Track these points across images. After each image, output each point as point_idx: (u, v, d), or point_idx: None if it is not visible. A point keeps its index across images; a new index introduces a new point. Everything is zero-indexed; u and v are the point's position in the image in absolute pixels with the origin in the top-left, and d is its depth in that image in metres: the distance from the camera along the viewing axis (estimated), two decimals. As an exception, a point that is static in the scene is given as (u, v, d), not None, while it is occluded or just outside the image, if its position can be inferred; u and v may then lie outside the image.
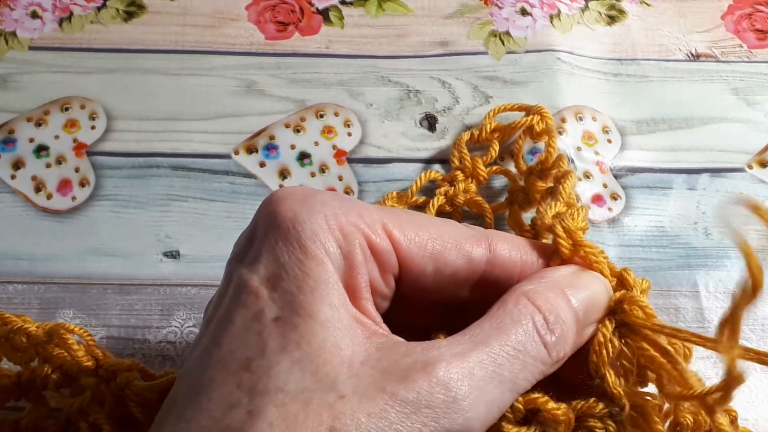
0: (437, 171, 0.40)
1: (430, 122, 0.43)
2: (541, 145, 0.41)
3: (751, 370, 0.36)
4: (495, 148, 0.40)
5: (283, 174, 0.41)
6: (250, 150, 0.41)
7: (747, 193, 0.41)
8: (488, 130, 0.40)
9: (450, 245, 0.28)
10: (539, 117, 0.40)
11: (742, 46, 0.46)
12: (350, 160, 0.41)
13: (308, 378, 0.24)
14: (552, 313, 0.27)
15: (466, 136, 0.41)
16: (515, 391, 0.26)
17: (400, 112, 0.43)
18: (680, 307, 0.38)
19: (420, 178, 0.40)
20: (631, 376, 0.28)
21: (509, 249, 0.29)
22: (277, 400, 0.23)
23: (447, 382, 0.24)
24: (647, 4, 0.48)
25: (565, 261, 0.30)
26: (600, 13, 0.47)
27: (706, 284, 0.38)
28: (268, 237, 0.26)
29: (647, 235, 0.40)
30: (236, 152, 0.41)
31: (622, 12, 0.47)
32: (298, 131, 0.42)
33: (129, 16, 0.45)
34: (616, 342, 0.28)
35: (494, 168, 0.41)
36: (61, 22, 0.45)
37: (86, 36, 0.45)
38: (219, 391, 0.24)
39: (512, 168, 0.41)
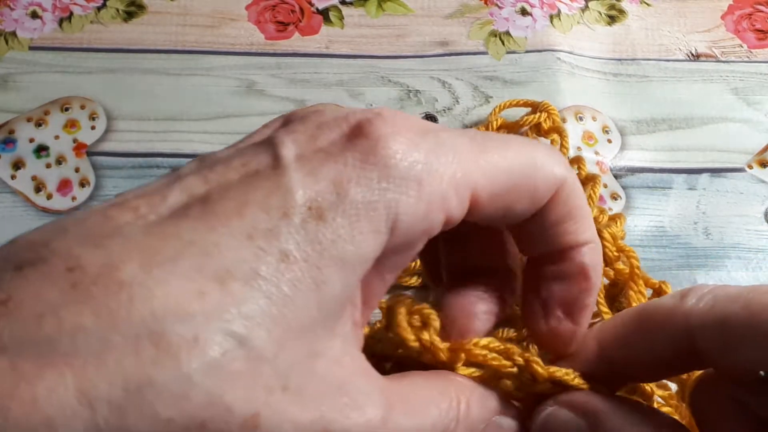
0: None
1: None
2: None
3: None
4: None
5: (283, 174, 0.41)
6: (250, 150, 0.41)
7: (747, 193, 0.41)
8: (494, 127, 0.40)
9: (524, 196, 0.25)
10: (546, 114, 0.40)
11: (742, 46, 0.46)
12: (350, 160, 0.41)
13: (270, 346, 0.21)
14: (460, 428, 0.24)
15: None
16: None
17: (400, 112, 0.43)
18: (680, 307, 0.38)
19: None
20: None
21: (565, 199, 0.26)
22: (227, 344, 0.20)
23: None
24: (647, 4, 0.48)
25: (608, 264, 0.30)
26: (600, 13, 0.47)
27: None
28: (347, 161, 0.22)
29: (647, 235, 0.40)
30: (236, 152, 0.41)
31: (622, 12, 0.47)
32: (298, 131, 0.42)
33: (129, 16, 0.45)
34: None
35: None
36: (61, 22, 0.45)
37: (86, 36, 0.45)
38: (178, 284, 0.20)
39: None
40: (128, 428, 0.18)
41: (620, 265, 0.31)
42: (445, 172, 0.23)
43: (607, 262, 0.30)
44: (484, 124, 0.41)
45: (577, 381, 0.25)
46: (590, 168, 0.41)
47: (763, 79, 0.45)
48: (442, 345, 0.25)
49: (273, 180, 0.21)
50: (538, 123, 0.40)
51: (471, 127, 0.43)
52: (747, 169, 0.42)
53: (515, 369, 0.26)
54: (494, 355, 0.25)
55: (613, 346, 0.26)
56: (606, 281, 0.34)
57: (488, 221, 0.25)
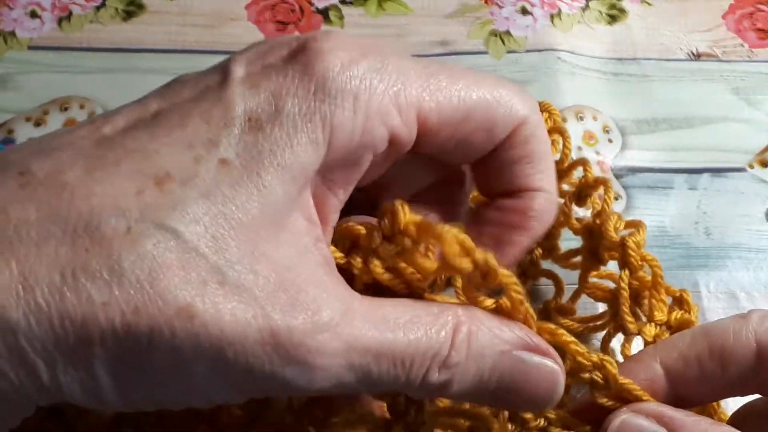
0: None
1: (430, 122, 0.43)
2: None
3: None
4: None
5: (283, 174, 0.41)
6: (250, 150, 0.41)
7: (748, 193, 0.41)
8: None
9: (482, 127, 0.25)
10: (547, 114, 0.39)
11: (743, 46, 0.46)
12: (350, 160, 0.41)
13: (206, 241, 0.21)
14: (458, 355, 0.24)
15: None
16: (366, 387, 0.23)
17: (400, 112, 0.43)
18: (681, 307, 0.38)
19: None
20: None
21: (525, 139, 0.27)
22: (162, 239, 0.21)
23: (321, 346, 0.22)
24: (648, 4, 0.48)
25: (633, 272, 0.30)
26: (601, 13, 0.47)
27: (707, 284, 0.38)
28: (285, 79, 0.23)
29: (648, 235, 0.39)
30: (236, 152, 0.41)
31: (622, 11, 0.47)
32: (298, 131, 0.42)
33: (128, 15, 0.45)
34: None
35: None
36: (60, 21, 0.45)
37: (85, 35, 0.44)
38: (117, 183, 0.21)
39: None
40: (67, 310, 0.20)
41: (642, 273, 0.30)
42: (385, 89, 0.23)
43: (632, 270, 0.30)
44: None
45: (645, 396, 0.26)
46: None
47: (764, 79, 0.45)
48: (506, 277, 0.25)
49: (218, 94, 0.23)
50: None
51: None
52: (748, 168, 0.42)
53: (590, 367, 0.26)
54: (575, 346, 0.26)
55: (680, 366, 0.26)
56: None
57: (444, 153, 0.26)
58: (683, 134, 0.43)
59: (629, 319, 0.30)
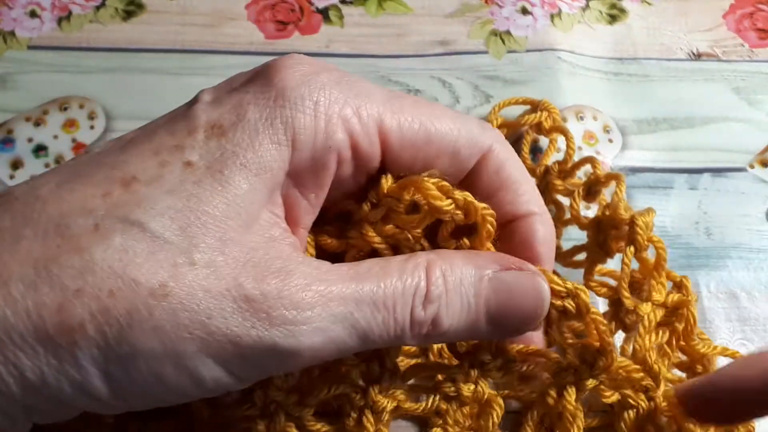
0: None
1: (430, 122, 0.43)
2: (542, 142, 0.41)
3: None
4: None
5: (283, 174, 0.41)
6: (250, 150, 0.41)
7: (748, 193, 0.41)
8: (494, 125, 0.40)
9: (446, 150, 0.27)
10: (547, 113, 0.40)
11: (743, 46, 0.46)
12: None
13: (173, 229, 0.22)
14: (437, 289, 0.25)
15: None
16: (363, 341, 0.24)
17: (400, 112, 0.43)
18: (681, 307, 0.38)
19: None
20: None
21: (497, 170, 0.28)
22: (129, 231, 0.22)
23: (297, 299, 0.23)
24: (648, 3, 0.47)
25: (639, 251, 0.30)
26: (601, 12, 0.47)
27: (708, 284, 0.38)
28: (248, 93, 0.25)
29: (648, 235, 0.40)
30: (236, 152, 0.41)
31: (623, 11, 0.47)
32: (298, 131, 0.42)
33: (128, 15, 0.45)
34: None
35: None
36: (59, 21, 0.45)
37: (85, 35, 0.44)
38: (84, 190, 0.23)
39: None
40: (41, 298, 0.21)
41: (646, 255, 0.30)
42: (345, 99, 0.25)
43: (638, 247, 0.30)
44: None
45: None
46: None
47: (764, 79, 0.45)
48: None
49: (184, 114, 0.25)
50: (538, 122, 0.39)
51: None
52: (748, 168, 0.42)
53: (564, 294, 0.27)
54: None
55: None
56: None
57: (410, 172, 0.27)
58: (684, 134, 0.43)
59: (626, 294, 0.30)
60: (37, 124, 0.41)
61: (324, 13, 0.46)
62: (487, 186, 0.28)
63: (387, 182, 0.27)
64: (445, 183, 0.27)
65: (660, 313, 0.30)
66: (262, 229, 0.24)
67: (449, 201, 0.26)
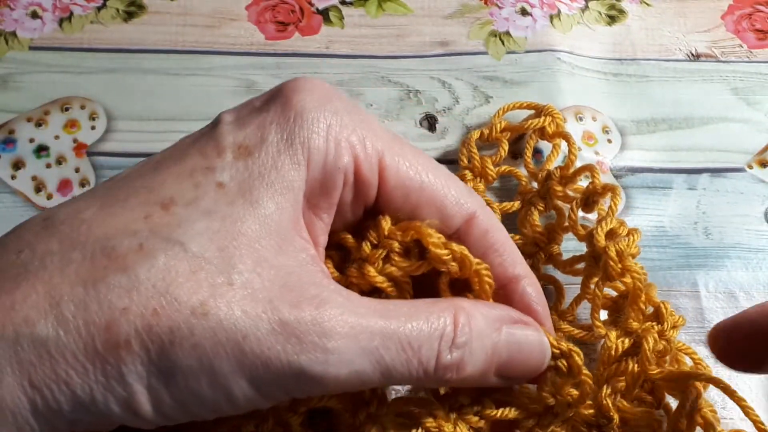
0: None
1: (430, 122, 0.43)
2: (543, 145, 0.41)
3: (751, 370, 0.36)
4: (504, 148, 0.40)
5: (283, 174, 0.41)
6: (250, 150, 0.41)
7: (747, 193, 0.41)
8: (498, 129, 0.40)
9: (434, 203, 0.28)
10: (551, 118, 0.39)
11: (742, 46, 0.46)
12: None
13: (212, 249, 0.24)
14: (464, 335, 0.26)
15: (475, 134, 0.40)
16: (386, 378, 0.25)
17: (400, 112, 0.43)
18: (680, 307, 0.38)
19: None
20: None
21: (483, 235, 0.29)
22: (172, 251, 0.23)
23: (328, 328, 0.24)
24: (647, 4, 0.48)
25: (609, 280, 0.31)
26: (600, 13, 0.47)
27: (706, 284, 0.38)
28: (268, 114, 0.26)
29: (647, 235, 0.40)
30: (236, 152, 0.41)
31: (622, 12, 0.47)
32: (298, 131, 0.42)
33: (129, 16, 0.45)
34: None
35: (503, 168, 0.40)
36: (61, 22, 0.45)
37: (86, 36, 0.45)
38: (127, 211, 0.24)
39: (521, 169, 0.40)
40: (92, 317, 0.22)
41: (628, 279, 0.31)
42: (354, 127, 0.27)
43: (608, 277, 0.31)
44: (487, 126, 0.41)
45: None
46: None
47: (763, 79, 0.45)
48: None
49: (210, 134, 0.26)
50: (542, 127, 0.39)
51: (471, 127, 0.42)
52: (747, 169, 0.42)
53: (558, 355, 0.29)
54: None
55: None
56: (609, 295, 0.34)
57: (398, 215, 0.28)
58: (682, 134, 0.43)
59: (597, 323, 0.31)
60: (39, 124, 0.42)
61: (324, 14, 0.46)
62: (475, 248, 0.29)
63: (387, 223, 0.28)
64: (442, 236, 0.28)
65: (628, 342, 0.30)
66: (295, 252, 0.25)
67: (448, 251, 0.27)
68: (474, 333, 0.26)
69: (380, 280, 0.28)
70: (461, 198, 0.29)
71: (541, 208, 0.37)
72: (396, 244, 0.28)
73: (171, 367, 0.23)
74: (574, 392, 0.29)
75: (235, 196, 0.25)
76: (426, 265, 0.28)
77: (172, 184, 0.25)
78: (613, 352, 0.29)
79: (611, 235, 0.32)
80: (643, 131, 0.43)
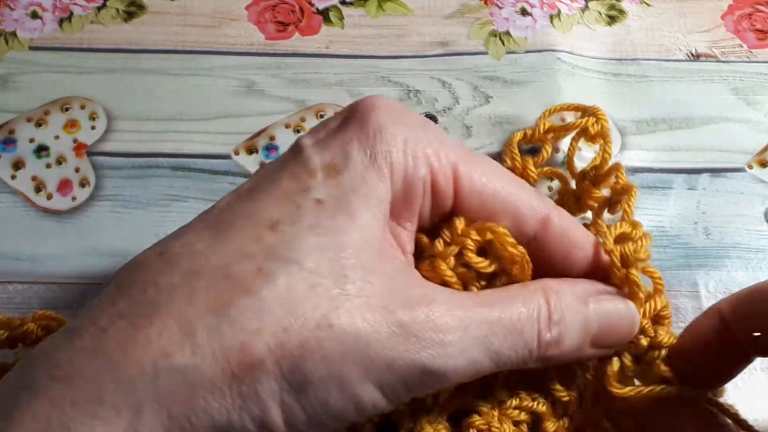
0: None
1: (430, 122, 0.43)
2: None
3: (749, 370, 0.36)
4: (548, 150, 0.40)
5: (284, 174, 0.41)
6: (251, 150, 0.41)
7: (747, 193, 0.41)
8: (542, 130, 0.40)
9: (508, 208, 0.29)
10: (594, 119, 0.39)
11: (742, 46, 0.46)
12: (350, 160, 0.41)
13: (324, 264, 0.25)
14: (558, 313, 0.27)
15: (518, 136, 0.40)
16: (495, 363, 0.26)
17: (400, 112, 0.43)
18: (680, 307, 0.38)
19: None
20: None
21: (562, 234, 0.30)
22: (289, 271, 0.24)
23: (442, 324, 0.25)
24: (647, 4, 0.48)
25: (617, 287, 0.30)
26: (600, 13, 0.47)
27: (706, 284, 0.38)
28: (348, 133, 0.27)
29: (647, 235, 0.40)
30: (236, 152, 0.41)
31: (622, 12, 0.47)
32: (299, 131, 0.42)
33: (129, 16, 0.45)
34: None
35: (545, 170, 0.40)
36: (61, 22, 0.45)
37: (86, 36, 0.45)
38: (238, 238, 0.25)
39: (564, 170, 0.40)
40: (226, 341, 0.23)
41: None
42: (428, 141, 0.28)
43: (614, 284, 0.30)
44: (530, 128, 0.40)
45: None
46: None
47: (763, 79, 0.45)
48: None
49: (296, 159, 0.27)
50: (585, 127, 0.39)
51: (470, 127, 0.42)
52: (747, 169, 0.42)
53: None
54: None
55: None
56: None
57: (475, 215, 0.29)
58: (682, 134, 0.43)
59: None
60: (39, 124, 0.42)
61: (324, 14, 0.46)
62: (557, 249, 0.30)
63: (461, 223, 0.29)
64: (510, 235, 0.29)
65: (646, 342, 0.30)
66: (390, 257, 0.27)
67: (518, 249, 0.29)
68: (566, 309, 0.28)
69: (450, 275, 0.28)
70: (534, 202, 0.30)
71: (576, 209, 0.37)
72: (469, 242, 0.29)
73: (302, 381, 0.23)
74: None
75: (335, 211, 0.26)
76: (497, 264, 0.29)
77: (273, 207, 0.26)
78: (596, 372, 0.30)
79: (623, 238, 0.31)
80: (643, 131, 0.43)
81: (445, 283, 0.29)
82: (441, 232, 0.29)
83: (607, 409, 0.30)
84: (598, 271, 0.30)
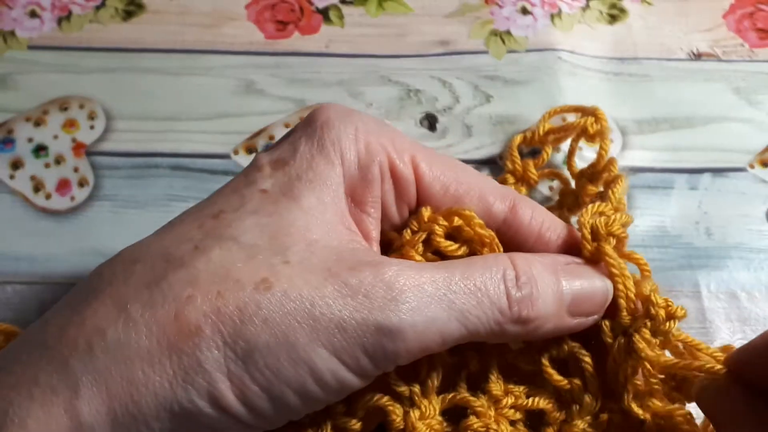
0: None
1: (430, 122, 0.43)
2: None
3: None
4: (548, 151, 0.39)
5: (283, 174, 0.41)
6: (250, 150, 0.41)
7: (749, 193, 0.41)
8: (542, 132, 0.39)
9: (473, 192, 0.29)
10: (594, 119, 0.39)
11: (743, 46, 0.46)
12: (350, 160, 0.41)
13: (264, 239, 0.25)
14: (525, 274, 0.27)
15: (518, 138, 0.40)
16: (463, 325, 0.25)
17: (400, 112, 0.43)
18: (682, 307, 0.38)
19: None
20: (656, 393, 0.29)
21: (531, 217, 0.30)
22: (225, 245, 0.25)
23: (392, 282, 0.24)
24: (649, 3, 0.47)
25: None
26: (601, 12, 0.47)
27: (708, 284, 0.38)
28: (296, 133, 0.28)
29: (649, 235, 0.40)
30: (236, 152, 0.41)
31: (623, 11, 0.47)
32: (298, 131, 0.42)
33: (128, 15, 0.45)
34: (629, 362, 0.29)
35: (546, 171, 0.40)
36: (59, 21, 0.45)
37: (85, 35, 0.44)
38: (181, 227, 0.26)
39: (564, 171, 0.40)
40: (158, 311, 0.23)
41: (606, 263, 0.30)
42: (380, 131, 0.28)
43: (586, 259, 0.30)
44: (530, 130, 0.40)
45: None
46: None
47: (764, 79, 0.45)
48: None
49: (249, 164, 0.28)
50: (584, 127, 0.38)
51: (470, 126, 0.42)
52: (749, 168, 0.42)
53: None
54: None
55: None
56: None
57: (440, 204, 0.29)
58: (684, 134, 0.43)
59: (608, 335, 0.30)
60: (37, 124, 0.41)
61: (324, 13, 0.46)
62: (528, 232, 0.30)
63: (427, 211, 0.29)
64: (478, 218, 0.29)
65: (623, 341, 0.29)
66: (341, 236, 0.26)
67: (489, 233, 0.29)
68: (536, 273, 0.27)
69: (419, 260, 0.28)
70: (499, 188, 0.30)
71: (575, 208, 0.37)
72: (437, 227, 0.29)
73: (246, 348, 0.23)
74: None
75: (278, 196, 0.26)
76: (466, 248, 0.29)
77: (220, 201, 0.27)
78: (616, 354, 0.29)
79: (598, 215, 0.31)
80: (644, 131, 0.43)
81: None
82: (409, 223, 0.29)
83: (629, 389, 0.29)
84: (572, 253, 0.30)
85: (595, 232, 0.30)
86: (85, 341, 0.23)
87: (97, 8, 0.45)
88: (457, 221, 0.29)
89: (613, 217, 0.30)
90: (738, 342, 0.37)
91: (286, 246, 0.25)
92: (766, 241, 0.40)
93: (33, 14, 0.45)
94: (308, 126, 0.28)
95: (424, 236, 0.29)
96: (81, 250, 0.38)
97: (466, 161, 0.41)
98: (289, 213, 0.26)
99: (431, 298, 0.25)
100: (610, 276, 0.29)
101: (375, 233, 0.28)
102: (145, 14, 0.45)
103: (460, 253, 0.29)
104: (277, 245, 0.25)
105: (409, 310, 0.24)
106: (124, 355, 0.22)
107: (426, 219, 0.29)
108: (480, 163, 0.41)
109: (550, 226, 0.30)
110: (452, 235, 0.29)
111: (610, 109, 0.43)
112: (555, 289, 0.27)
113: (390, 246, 0.30)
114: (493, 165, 0.41)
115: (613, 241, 0.30)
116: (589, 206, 0.31)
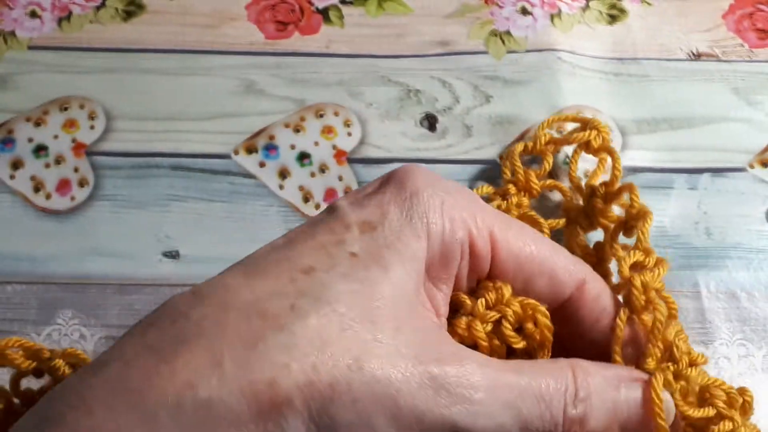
0: (488, 186, 0.39)
1: (430, 122, 0.43)
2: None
3: (750, 370, 0.36)
4: (549, 161, 0.39)
5: (283, 174, 0.41)
6: (250, 150, 0.41)
7: (748, 193, 0.41)
8: (543, 142, 0.39)
9: (545, 272, 0.29)
10: (596, 132, 0.38)
11: (743, 46, 0.46)
12: (350, 161, 0.41)
13: (356, 310, 0.24)
14: (584, 390, 0.27)
15: (519, 147, 0.39)
16: (520, 430, 0.26)
17: (400, 112, 0.43)
18: (681, 307, 0.37)
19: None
20: None
21: (595, 299, 0.30)
22: (321, 310, 0.24)
23: (473, 381, 0.25)
24: (648, 4, 0.48)
25: (633, 313, 0.30)
26: (601, 13, 0.47)
27: (707, 284, 0.38)
28: (384, 195, 0.28)
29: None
30: (236, 152, 0.41)
31: (623, 11, 0.47)
32: (298, 131, 0.42)
33: (128, 15, 0.45)
34: None
35: (548, 182, 0.39)
36: (60, 21, 0.45)
37: (85, 35, 0.44)
38: (272, 278, 0.25)
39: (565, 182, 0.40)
40: (255, 375, 0.22)
41: (646, 317, 0.31)
42: (465, 205, 0.28)
43: (632, 310, 0.30)
44: (531, 139, 0.40)
45: None
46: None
47: (764, 79, 0.45)
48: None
49: (333, 215, 0.28)
50: (587, 140, 0.38)
51: (470, 127, 0.42)
52: (748, 168, 0.42)
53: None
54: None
55: None
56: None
57: (512, 282, 0.29)
58: (683, 134, 0.43)
59: (618, 358, 0.30)
60: (38, 124, 0.41)
61: (324, 13, 0.46)
62: (589, 313, 0.30)
63: (508, 290, 0.29)
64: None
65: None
66: (422, 315, 0.26)
67: (551, 337, 0.29)
68: (593, 388, 0.27)
69: (483, 338, 0.28)
70: (570, 266, 0.30)
71: (586, 226, 0.37)
72: (510, 312, 0.29)
73: (330, 425, 0.23)
74: None
75: (368, 262, 0.26)
76: (525, 343, 0.29)
77: (308, 255, 0.26)
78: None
79: (637, 266, 0.31)
80: (644, 131, 0.43)
81: (475, 346, 0.28)
82: (485, 293, 0.29)
83: None
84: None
85: (645, 286, 0.30)
86: (175, 395, 0.22)
87: (97, 8, 0.45)
88: (529, 313, 0.29)
89: (657, 271, 0.31)
90: (737, 341, 0.37)
91: (375, 322, 0.24)
92: (766, 241, 0.40)
93: (33, 14, 0.45)
94: (398, 190, 0.28)
95: (497, 317, 0.29)
96: (81, 250, 0.38)
97: (466, 161, 0.42)
98: (378, 283, 0.25)
99: (504, 404, 0.25)
100: (652, 328, 0.30)
101: (444, 309, 0.28)
102: (145, 14, 0.45)
103: (519, 346, 0.29)
104: (367, 319, 0.24)
105: (483, 414, 0.24)
106: (212, 414, 0.22)
107: (505, 301, 0.29)
108: (480, 163, 0.42)
109: (608, 309, 0.30)
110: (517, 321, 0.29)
111: (610, 109, 0.43)
112: (611, 408, 0.27)
113: (454, 303, 0.30)
114: (493, 165, 0.41)
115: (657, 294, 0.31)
116: (624, 256, 0.32)
